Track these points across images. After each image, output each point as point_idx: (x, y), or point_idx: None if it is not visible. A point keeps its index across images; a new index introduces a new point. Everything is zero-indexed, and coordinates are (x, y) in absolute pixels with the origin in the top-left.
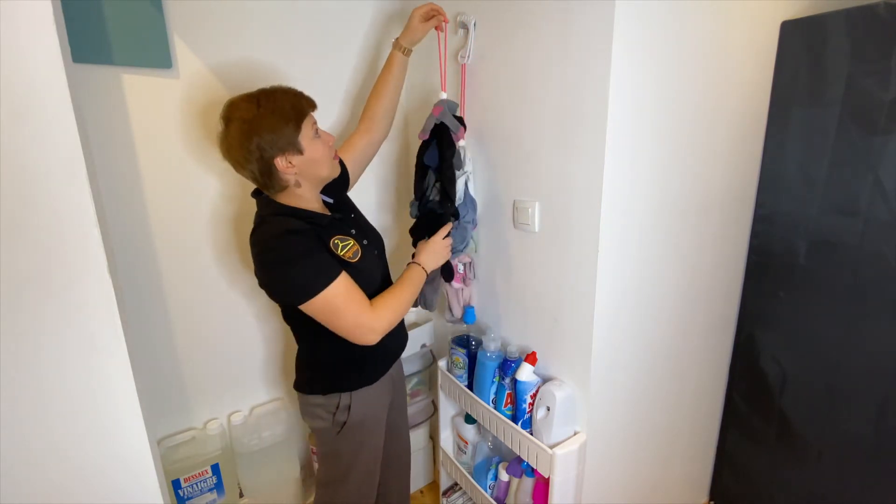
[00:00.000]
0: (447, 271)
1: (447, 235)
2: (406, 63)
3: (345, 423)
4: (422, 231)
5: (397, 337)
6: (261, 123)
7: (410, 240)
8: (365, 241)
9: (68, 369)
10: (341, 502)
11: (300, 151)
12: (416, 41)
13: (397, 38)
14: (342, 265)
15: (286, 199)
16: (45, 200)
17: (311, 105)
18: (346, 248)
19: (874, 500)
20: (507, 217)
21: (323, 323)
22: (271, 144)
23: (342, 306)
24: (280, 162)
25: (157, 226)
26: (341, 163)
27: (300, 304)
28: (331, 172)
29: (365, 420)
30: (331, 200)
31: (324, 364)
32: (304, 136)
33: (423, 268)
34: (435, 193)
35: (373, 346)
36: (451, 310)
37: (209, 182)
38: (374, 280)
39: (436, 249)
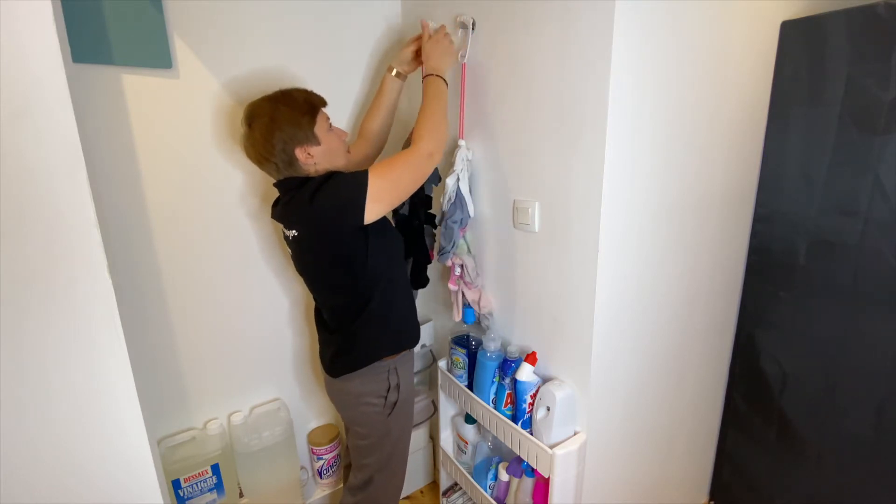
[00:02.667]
0: (421, 255)
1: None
2: (399, 86)
3: (396, 402)
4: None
5: (415, 311)
6: (281, 118)
7: None
8: None
9: (68, 369)
10: (389, 487)
11: (318, 142)
12: (405, 62)
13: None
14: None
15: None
16: (45, 200)
17: (322, 101)
18: None
19: (874, 500)
20: (507, 217)
21: (397, 195)
22: (291, 137)
23: (391, 167)
24: (300, 153)
25: (158, 226)
26: None
27: (365, 199)
28: (346, 164)
29: (409, 397)
30: None
31: (370, 330)
32: (320, 129)
33: (438, 76)
34: (405, 209)
35: (406, 311)
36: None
37: (209, 182)
38: (401, 245)
39: (441, 46)
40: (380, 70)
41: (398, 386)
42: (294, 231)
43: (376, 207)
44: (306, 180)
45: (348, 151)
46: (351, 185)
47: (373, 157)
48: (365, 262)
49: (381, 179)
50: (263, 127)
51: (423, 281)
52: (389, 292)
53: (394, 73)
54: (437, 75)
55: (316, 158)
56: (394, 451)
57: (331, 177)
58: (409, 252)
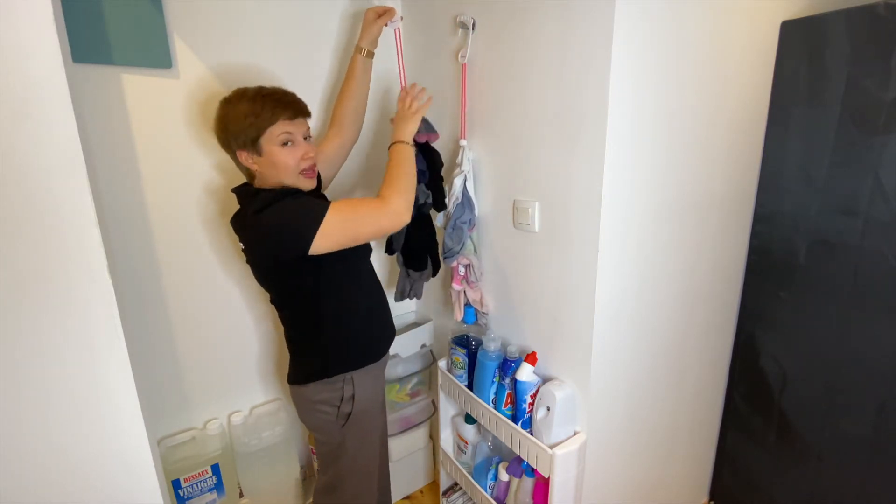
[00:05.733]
0: (420, 262)
1: (408, 101)
2: (368, 65)
3: (350, 413)
4: (420, 237)
5: (387, 319)
6: (232, 118)
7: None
8: None
9: (68, 369)
10: (354, 500)
11: (259, 153)
12: (373, 40)
13: (357, 42)
14: None
15: (265, 183)
16: (45, 200)
17: (293, 112)
18: None
19: (874, 500)
20: (507, 217)
21: (350, 238)
22: (235, 138)
23: (355, 210)
24: (242, 155)
25: (157, 226)
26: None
27: (316, 232)
28: (294, 184)
29: (369, 408)
30: None
31: (325, 345)
32: (268, 141)
33: (404, 142)
34: (425, 196)
35: (368, 324)
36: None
37: (209, 182)
38: (367, 247)
39: (406, 116)
40: (385, 69)
41: (353, 397)
42: (242, 245)
43: (323, 244)
44: (258, 192)
45: (306, 174)
46: (305, 213)
47: (348, 145)
48: (315, 287)
49: (339, 216)
50: (219, 119)
51: (420, 265)
52: (345, 309)
53: (363, 52)
54: (403, 142)
55: (259, 167)
56: (354, 463)
57: (286, 195)
58: (413, 239)
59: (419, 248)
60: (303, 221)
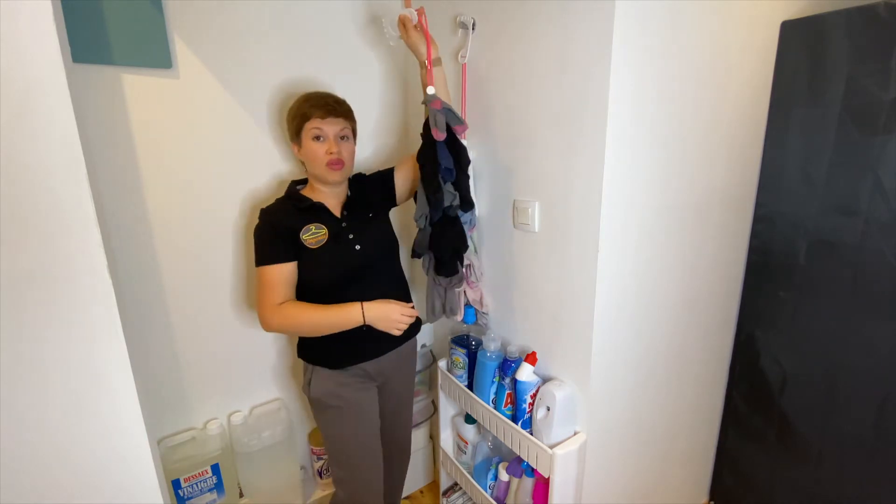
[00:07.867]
0: (449, 267)
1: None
2: (438, 73)
3: (311, 399)
4: (447, 241)
5: (374, 339)
6: (287, 116)
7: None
8: (351, 236)
9: (68, 369)
10: (341, 476)
11: (300, 145)
12: (415, 50)
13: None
14: (302, 249)
15: (305, 173)
16: (46, 200)
17: (323, 112)
18: (312, 234)
19: (874, 500)
20: (507, 217)
21: (258, 283)
22: (287, 131)
23: (260, 287)
24: (294, 147)
25: (157, 225)
26: (360, 179)
27: (258, 264)
28: (323, 176)
29: (330, 404)
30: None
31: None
32: (305, 134)
33: (363, 313)
34: (452, 198)
35: (343, 337)
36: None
37: (209, 182)
38: (334, 270)
39: (389, 315)
40: (386, 68)
41: (310, 382)
42: None
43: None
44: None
45: (331, 166)
46: (260, 244)
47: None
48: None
49: (260, 276)
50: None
51: (450, 270)
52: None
53: (424, 66)
54: (364, 314)
55: (301, 157)
56: (339, 453)
57: (268, 214)
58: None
59: (448, 250)
60: (257, 246)
